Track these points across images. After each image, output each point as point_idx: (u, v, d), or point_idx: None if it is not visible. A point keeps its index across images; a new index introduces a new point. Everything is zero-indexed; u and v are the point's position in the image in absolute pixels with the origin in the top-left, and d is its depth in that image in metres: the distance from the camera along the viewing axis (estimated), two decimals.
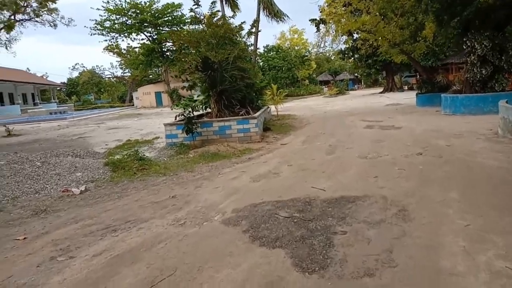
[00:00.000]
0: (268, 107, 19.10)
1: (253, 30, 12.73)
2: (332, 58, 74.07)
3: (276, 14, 20.33)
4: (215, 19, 11.57)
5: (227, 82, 11.22)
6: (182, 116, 10.08)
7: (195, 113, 11.28)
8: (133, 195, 6.04)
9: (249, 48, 14.18)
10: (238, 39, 12.44)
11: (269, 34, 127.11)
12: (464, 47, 13.36)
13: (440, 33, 14.19)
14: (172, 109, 9.99)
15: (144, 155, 8.86)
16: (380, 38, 17.71)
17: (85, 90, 72.63)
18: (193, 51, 11.46)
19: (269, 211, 4.59)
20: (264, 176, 6.59)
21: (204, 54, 10.98)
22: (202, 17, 11.90)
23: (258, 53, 53.49)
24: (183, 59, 11.42)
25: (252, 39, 16.32)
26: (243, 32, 12.88)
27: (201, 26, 12.38)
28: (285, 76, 51.05)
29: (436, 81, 17.78)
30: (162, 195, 5.89)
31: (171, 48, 43.67)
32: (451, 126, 10.65)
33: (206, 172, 7.41)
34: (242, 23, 12.27)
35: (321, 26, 24.84)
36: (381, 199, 4.72)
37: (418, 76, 46.75)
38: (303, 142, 10.43)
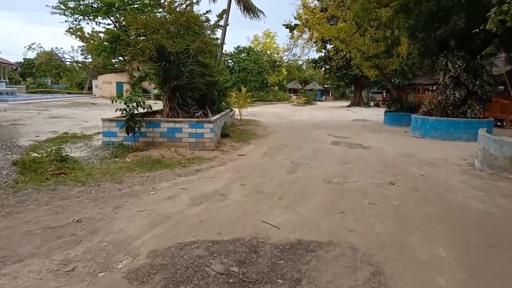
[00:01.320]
0: (232, 110, 17.82)
1: (221, 22, 11.39)
2: (304, 67, 74.18)
3: (251, 9, 19.12)
4: (176, 3, 10.14)
5: (184, 77, 9.81)
6: (125, 112, 8.54)
7: (146, 110, 9.74)
8: (27, 213, 4.52)
9: (217, 42, 12.84)
10: (202, 30, 11.08)
11: (242, 36, 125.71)
12: (437, 67, 12.80)
13: (414, 50, 13.58)
14: (112, 102, 8.42)
15: (68, 155, 7.26)
16: (353, 49, 17.01)
17: (42, 73, 67.76)
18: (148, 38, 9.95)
19: (199, 260, 3.30)
20: (207, 198, 5.29)
21: (159, 42, 9.53)
22: (163, 1, 10.45)
23: (227, 51, 52.23)
24: (133, 45, 9.89)
25: (219, 33, 15.01)
26: (211, 24, 11.51)
27: (162, 11, 10.97)
28: (255, 79, 50.01)
29: (406, 101, 17.32)
30: (65, 216, 4.42)
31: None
32: (422, 151, 9.89)
33: (137, 185, 5.99)
34: (207, 11, 10.92)
35: (295, 32, 23.90)
36: (350, 250, 3.57)
37: (385, 94, 47.58)
38: (264, 154, 9.24)
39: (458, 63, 11.71)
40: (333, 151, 9.78)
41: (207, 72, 10.68)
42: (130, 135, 8.52)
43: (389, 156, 9.05)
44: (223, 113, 12.12)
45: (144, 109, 8.58)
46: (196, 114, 10.36)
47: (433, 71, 22.66)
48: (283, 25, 31.62)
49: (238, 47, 51.29)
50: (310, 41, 22.49)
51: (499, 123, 15.86)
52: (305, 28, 20.37)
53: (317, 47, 24.91)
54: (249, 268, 3.17)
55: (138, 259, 3.34)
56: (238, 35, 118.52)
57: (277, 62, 56.20)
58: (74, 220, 4.28)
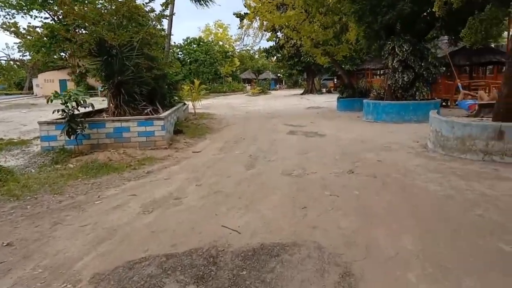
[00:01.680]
0: (185, 104, 17.18)
1: (166, 12, 10.73)
2: (257, 56, 74.03)
3: None
4: None
5: (129, 72, 9.13)
6: (64, 113, 7.74)
7: (89, 109, 8.92)
8: None
9: (163, 33, 12.08)
10: (146, 21, 10.37)
11: (193, 27, 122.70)
12: (385, 52, 13.07)
13: (363, 36, 13.76)
14: (48, 103, 7.57)
15: (0, 165, 6.44)
16: (304, 37, 16.97)
17: None
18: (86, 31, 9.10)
19: (151, 280, 2.92)
20: (160, 204, 4.86)
21: (98, 35, 8.75)
22: None
23: (177, 43, 50.54)
24: (70, 39, 9.01)
25: (165, 25, 14.15)
26: (156, 14, 10.79)
27: (103, 2, 10.10)
28: (207, 71, 49.10)
29: (357, 86, 17.66)
30: None
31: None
32: (376, 135, 10.04)
33: (80, 194, 5.40)
34: (150, 0, 10.23)
35: (245, 21, 23.48)
36: (316, 250, 3.36)
37: (336, 80, 48.77)
38: (220, 149, 8.87)
39: (405, 46, 12.00)
40: (290, 141, 9.64)
41: (154, 65, 10.04)
42: (72, 138, 7.77)
43: (345, 143, 9.06)
44: (175, 108, 11.54)
45: (85, 108, 7.83)
46: (145, 111, 9.74)
47: (380, 55, 23.35)
48: (233, 14, 31.09)
49: (188, 38, 49.90)
50: (261, 30, 22.20)
51: (443, 103, 16.66)
52: (255, 17, 20.01)
53: (268, 35, 24.65)
54: (208, 284, 2.84)
55: (79, 286, 2.89)
56: (189, 27, 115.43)
57: (229, 52, 55.55)
58: (4, 244, 3.70)
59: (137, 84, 9.68)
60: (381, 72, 35.55)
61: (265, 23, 20.21)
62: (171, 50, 44.61)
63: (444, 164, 6.45)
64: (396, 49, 12.09)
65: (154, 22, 10.70)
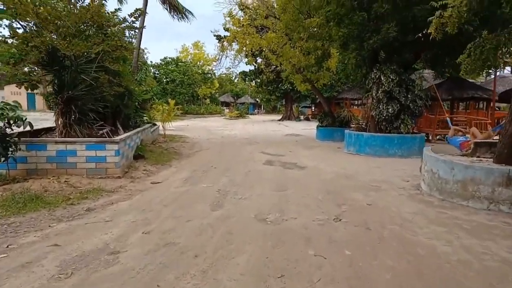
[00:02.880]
0: (155, 125, 15.89)
1: (136, 24, 9.60)
2: (236, 80, 73.83)
3: (178, 8, 17.42)
4: None
5: (83, 86, 7.87)
6: None
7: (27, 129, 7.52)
8: None
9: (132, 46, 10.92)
10: (112, 30, 9.20)
11: (171, 48, 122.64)
12: (368, 82, 12.40)
13: (350, 61, 13.10)
14: None
15: None
16: (284, 61, 16.26)
17: None
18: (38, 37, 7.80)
19: None
20: (87, 262, 3.57)
21: (50, 44, 7.50)
22: None
23: (153, 62, 49.33)
24: (23, 44, 7.70)
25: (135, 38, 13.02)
26: (127, 25, 9.64)
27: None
28: (184, 91, 47.94)
29: (338, 115, 16.96)
30: None
31: None
32: (361, 170, 9.09)
33: None
34: (116, 9, 9.10)
35: (225, 43, 22.77)
36: None
37: (313, 108, 48.74)
38: (185, 181, 7.63)
39: (391, 76, 11.36)
40: (267, 174, 8.53)
41: (115, 81, 8.80)
42: (2, 161, 6.36)
43: (327, 178, 8.04)
44: (137, 129, 10.25)
45: (18, 127, 6.49)
46: (101, 132, 8.43)
47: (363, 84, 22.95)
48: (213, 34, 30.43)
49: (165, 58, 48.92)
50: (240, 53, 21.49)
51: (425, 137, 16.14)
52: (235, 39, 19.29)
53: (247, 59, 23.99)
54: None
55: None
56: (168, 47, 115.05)
57: (209, 74, 54.87)
58: None
59: (93, 101, 8.40)
60: (359, 102, 35.62)
61: (244, 47, 19.56)
62: (146, 68, 43.33)
63: (446, 213, 5.47)
64: (382, 79, 11.43)
65: (120, 35, 9.52)
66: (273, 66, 33.73)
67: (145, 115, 13.05)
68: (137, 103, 11.81)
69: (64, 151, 6.95)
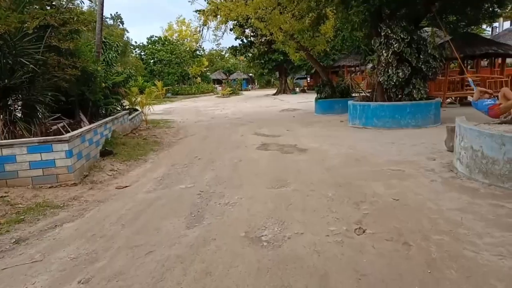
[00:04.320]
0: (136, 110, 14.26)
1: None
2: (226, 55, 71.13)
3: None
4: None
5: (23, 72, 6.25)
6: None
7: None
8: None
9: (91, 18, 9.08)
10: (60, 2, 7.49)
11: (156, 27, 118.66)
12: (375, 42, 10.71)
13: (345, 24, 11.38)
14: None
15: None
16: (274, 28, 14.45)
17: None
18: None
19: None
20: None
21: None
22: None
23: (138, 43, 46.63)
24: None
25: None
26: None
27: None
28: (173, 71, 45.76)
29: (337, 85, 15.33)
30: None
31: None
32: (374, 149, 7.62)
33: None
34: None
35: (208, 17, 20.57)
36: None
37: (309, 79, 46.71)
38: (160, 181, 6.15)
39: (402, 35, 9.68)
40: (261, 162, 7.05)
41: (68, 62, 7.13)
42: None
43: (335, 164, 6.56)
44: (104, 120, 8.65)
45: None
46: (54, 127, 6.87)
47: (364, 49, 21.10)
48: (195, 11, 28.17)
49: (151, 37, 46.45)
50: (222, 24, 19.45)
51: None
52: (217, 10, 17.28)
53: (233, 30, 21.98)
54: None
55: None
56: (152, 27, 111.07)
57: (197, 51, 52.46)
58: None
59: (42, 90, 6.79)
60: (358, 69, 33.76)
61: (227, 19, 17.61)
62: (128, 49, 40.85)
63: (504, 207, 4.01)
64: (391, 39, 9.75)
65: (71, 4, 7.79)
66: (264, 38, 31.72)
67: (118, 100, 11.39)
68: (106, 87, 10.14)
69: None
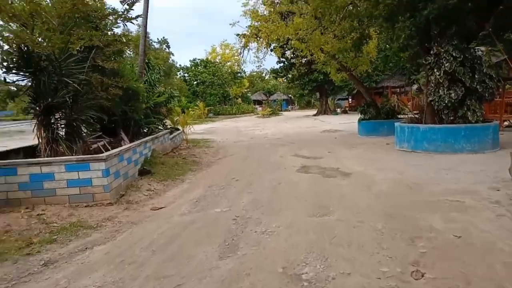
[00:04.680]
0: (177, 130, 14.44)
1: (132, 13, 8.00)
2: (267, 77, 71.94)
3: None
4: None
5: (66, 92, 6.39)
6: None
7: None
8: None
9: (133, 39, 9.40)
10: (104, 23, 7.72)
11: (200, 50, 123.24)
12: (424, 61, 10.07)
13: (390, 41, 10.85)
14: None
15: None
16: (315, 48, 14.17)
17: None
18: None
19: None
20: None
21: (22, 42, 6.05)
22: None
23: (182, 65, 48.31)
24: None
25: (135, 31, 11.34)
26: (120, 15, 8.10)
27: None
28: (215, 92, 46.80)
29: (382, 106, 14.64)
30: None
31: None
32: (426, 175, 6.95)
33: None
34: None
35: (250, 43, 20.58)
36: None
37: (350, 100, 45.72)
38: (195, 203, 5.91)
39: (454, 53, 9.01)
40: (301, 186, 6.62)
41: (110, 82, 7.25)
42: None
43: (383, 190, 6.00)
44: (145, 139, 8.69)
45: None
46: (94, 146, 6.93)
47: (409, 69, 20.27)
48: (236, 34, 28.73)
49: (194, 59, 48.06)
50: (265, 46, 19.50)
51: None
52: (258, 33, 17.37)
53: (273, 48, 21.98)
54: None
55: None
56: (195, 49, 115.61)
57: (239, 73, 53.50)
58: None
59: (85, 109, 6.91)
60: (403, 90, 32.54)
61: (268, 41, 17.62)
62: (173, 71, 42.34)
63: None
64: (442, 58, 9.11)
65: (120, 28, 8.02)
66: (304, 59, 31.63)
67: (159, 120, 11.53)
68: (148, 107, 10.30)
69: (38, 175, 5.46)
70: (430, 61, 9.51)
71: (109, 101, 7.37)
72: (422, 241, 3.85)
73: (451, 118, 9.71)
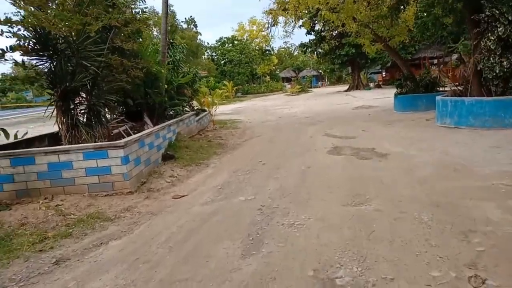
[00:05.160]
0: (204, 111, 14.14)
1: None
2: (295, 53, 70.06)
3: None
4: None
5: (85, 75, 6.12)
6: None
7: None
8: None
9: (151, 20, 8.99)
10: (121, 3, 7.34)
11: (227, 27, 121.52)
12: (471, 26, 9.01)
13: (432, 4, 9.77)
14: None
15: None
16: (347, 18, 13.18)
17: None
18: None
19: None
20: None
21: (38, 23, 5.78)
22: None
23: (209, 44, 47.52)
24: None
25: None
26: None
27: None
28: (243, 71, 46.11)
29: (421, 78, 13.53)
30: None
31: None
32: (474, 155, 6.19)
33: None
34: None
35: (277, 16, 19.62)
36: None
37: (384, 73, 43.53)
38: (219, 190, 5.54)
39: (510, 17, 7.93)
40: (332, 171, 6.08)
41: (130, 64, 6.90)
42: None
43: (427, 175, 5.35)
44: (167, 122, 8.38)
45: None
46: (115, 131, 6.69)
47: (447, 39, 18.68)
48: (263, 12, 27.67)
49: (221, 38, 47.34)
50: (294, 20, 18.52)
51: None
52: (285, 9, 16.43)
53: (304, 25, 20.94)
54: None
55: None
56: (221, 28, 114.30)
57: (267, 51, 52.38)
58: None
59: (103, 94, 6.65)
60: (441, 61, 30.44)
61: (297, 12, 16.65)
62: (200, 50, 41.84)
63: None
64: (497, 19, 8.05)
65: (132, 5, 7.61)
66: (335, 31, 30.14)
67: (184, 101, 11.19)
68: (172, 88, 9.96)
69: (56, 163, 5.26)
70: (480, 25, 8.44)
71: (129, 84, 7.06)
72: (477, 237, 3.26)
73: (501, 89, 8.69)
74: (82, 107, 6.56)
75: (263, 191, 5.26)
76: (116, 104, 7.19)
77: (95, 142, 5.94)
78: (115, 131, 6.83)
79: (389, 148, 7.37)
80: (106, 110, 6.93)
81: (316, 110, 18.06)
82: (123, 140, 5.38)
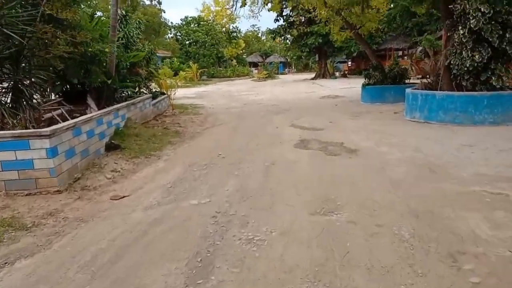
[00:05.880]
0: (162, 94, 13.07)
1: None
2: (263, 38, 68.92)
3: None
4: None
5: (6, 47, 5.02)
6: None
7: None
8: None
9: None
10: None
11: (193, 7, 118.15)
12: (444, 18, 8.66)
13: None
14: None
15: None
16: (318, 1, 12.53)
17: None
18: None
19: None
20: None
21: None
22: None
23: (174, 23, 45.38)
24: None
25: None
26: None
27: None
28: (208, 53, 44.48)
29: (389, 69, 13.24)
30: None
31: None
32: (449, 153, 5.82)
33: None
34: None
35: None
36: None
37: (350, 63, 43.69)
38: (168, 190, 4.74)
39: (482, 8, 7.58)
40: (299, 169, 5.46)
41: (63, 36, 5.79)
42: None
43: (400, 176, 4.85)
44: (117, 106, 7.36)
45: None
46: (47, 115, 5.65)
47: (413, 30, 18.67)
48: None
49: (186, 17, 45.30)
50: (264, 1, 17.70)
51: None
52: None
53: (272, 9, 20.13)
54: None
55: None
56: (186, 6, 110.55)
57: (234, 33, 50.91)
58: None
59: (30, 69, 5.56)
60: (406, 53, 30.82)
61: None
62: (163, 29, 39.80)
63: None
64: (469, 12, 7.68)
65: None
66: (304, 17, 29.55)
67: (136, 82, 10.07)
68: (123, 68, 8.85)
69: None
70: (452, 18, 8.07)
71: (64, 60, 5.98)
72: (468, 261, 2.75)
73: (472, 84, 8.44)
74: (5, 84, 5.44)
75: (220, 192, 4.53)
76: (52, 82, 6.08)
77: (21, 129, 4.90)
78: (48, 115, 5.76)
79: (358, 143, 6.86)
80: (37, 89, 5.82)
81: (283, 98, 17.43)
82: (49, 128, 4.39)
